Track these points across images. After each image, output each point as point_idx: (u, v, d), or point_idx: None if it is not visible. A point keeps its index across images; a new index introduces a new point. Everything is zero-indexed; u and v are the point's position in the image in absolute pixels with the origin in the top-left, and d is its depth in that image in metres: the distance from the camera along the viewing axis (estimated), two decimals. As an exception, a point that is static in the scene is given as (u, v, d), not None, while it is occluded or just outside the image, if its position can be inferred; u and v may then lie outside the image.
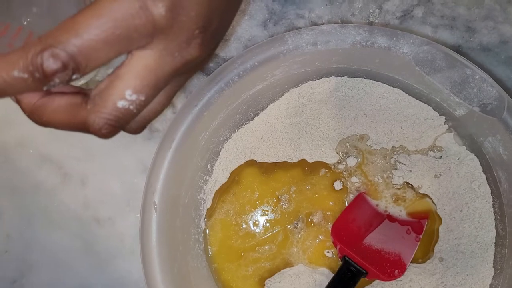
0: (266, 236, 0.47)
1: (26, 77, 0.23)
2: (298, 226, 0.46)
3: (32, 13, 0.37)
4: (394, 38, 0.40)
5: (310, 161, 0.47)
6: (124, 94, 0.25)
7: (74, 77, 0.24)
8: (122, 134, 0.50)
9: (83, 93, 0.27)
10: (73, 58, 0.23)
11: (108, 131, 0.26)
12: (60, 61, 0.23)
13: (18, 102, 0.27)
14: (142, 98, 0.26)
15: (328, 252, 0.46)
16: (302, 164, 0.47)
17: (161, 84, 0.26)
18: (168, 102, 0.29)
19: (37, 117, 0.27)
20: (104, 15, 0.23)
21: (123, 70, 0.25)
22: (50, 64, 0.23)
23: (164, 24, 0.24)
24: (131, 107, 0.26)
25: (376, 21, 0.49)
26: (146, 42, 0.24)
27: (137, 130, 0.29)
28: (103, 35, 0.23)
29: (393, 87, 0.45)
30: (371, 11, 0.49)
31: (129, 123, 0.27)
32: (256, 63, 0.41)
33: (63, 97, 0.26)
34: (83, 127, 0.26)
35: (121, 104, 0.25)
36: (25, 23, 0.36)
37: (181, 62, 0.26)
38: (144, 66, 0.25)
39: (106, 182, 0.50)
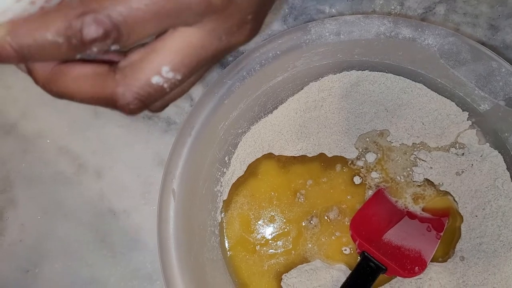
0: (280, 232, 0.46)
1: (61, 42, 0.20)
2: (312, 222, 0.46)
3: None
4: (419, 29, 0.39)
5: (329, 155, 0.46)
6: (160, 70, 0.23)
7: (112, 48, 0.21)
8: (138, 127, 0.51)
9: (108, 62, 0.24)
10: (117, 27, 0.20)
11: (136, 107, 0.24)
12: (103, 28, 0.20)
13: (29, 71, 0.24)
14: (179, 77, 0.23)
15: (345, 249, 0.45)
16: (320, 158, 0.46)
17: (199, 66, 0.24)
18: (195, 82, 0.27)
19: (54, 86, 0.24)
20: None
21: (162, 44, 0.23)
22: (91, 31, 0.20)
23: (219, 4, 0.22)
24: (165, 85, 0.23)
25: (398, 17, 0.49)
26: (195, 21, 0.22)
27: (159, 109, 0.27)
28: (153, 7, 0.21)
29: (415, 81, 0.44)
30: (392, 7, 0.49)
31: (157, 101, 0.25)
32: (278, 52, 0.40)
33: (86, 65, 0.24)
34: (109, 100, 0.23)
35: (155, 80, 0.23)
36: None
37: (225, 46, 0.24)
38: (188, 44, 0.23)
39: (122, 175, 0.50)
